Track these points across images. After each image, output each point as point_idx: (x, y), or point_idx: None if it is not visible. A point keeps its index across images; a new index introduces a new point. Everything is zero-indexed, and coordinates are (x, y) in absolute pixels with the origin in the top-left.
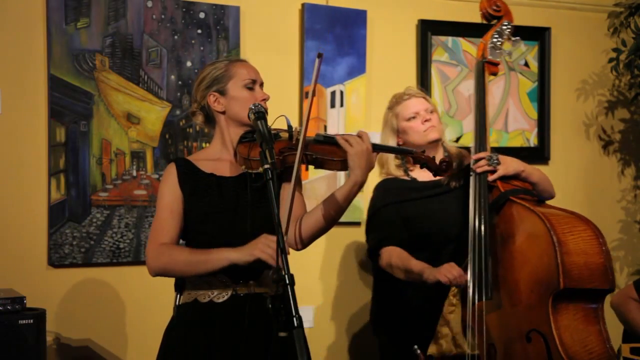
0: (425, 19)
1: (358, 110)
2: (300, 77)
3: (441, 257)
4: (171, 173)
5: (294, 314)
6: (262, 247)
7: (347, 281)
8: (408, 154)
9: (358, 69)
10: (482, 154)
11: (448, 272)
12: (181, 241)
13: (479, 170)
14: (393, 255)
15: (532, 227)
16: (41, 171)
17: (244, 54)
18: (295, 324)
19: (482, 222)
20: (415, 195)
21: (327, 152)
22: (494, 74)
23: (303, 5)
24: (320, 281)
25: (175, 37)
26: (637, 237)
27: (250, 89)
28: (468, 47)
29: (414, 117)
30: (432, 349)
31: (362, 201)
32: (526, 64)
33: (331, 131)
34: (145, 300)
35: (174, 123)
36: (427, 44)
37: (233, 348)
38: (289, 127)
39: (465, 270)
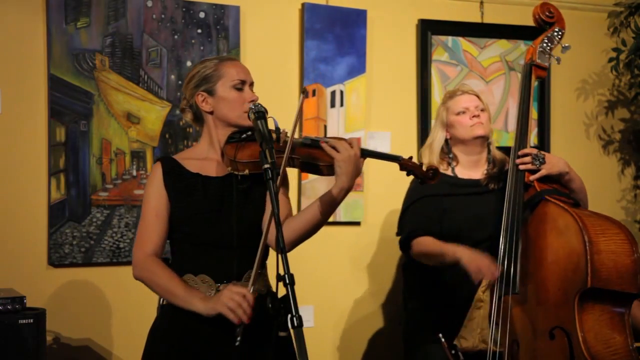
0: (425, 19)
1: (358, 110)
2: (300, 77)
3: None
4: (156, 174)
5: (294, 314)
6: (225, 300)
7: (347, 281)
8: (395, 160)
9: (358, 68)
10: (527, 150)
11: (478, 262)
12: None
13: (522, 167)
14: (426, 244)
15: (565, 225)
16: (41, 171)
17: (244, 54)
18: (295, 324)
19: (515, 217)
20: (453, 191)
21: (315, 155)
22: (540, 77)
23: (303, 5)
24: (320, 281)
25: (175, 36)
26: (637, 237)
27: (239, 89)
28: (468, 47)
29: (463, 112)
30: (457, 343)
31: (362, 200)
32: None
33: (331, 131)
34: (145, 300)
35: (174, 123)
36: (427, 43)
37: (222, 349)
38: (277, 129)
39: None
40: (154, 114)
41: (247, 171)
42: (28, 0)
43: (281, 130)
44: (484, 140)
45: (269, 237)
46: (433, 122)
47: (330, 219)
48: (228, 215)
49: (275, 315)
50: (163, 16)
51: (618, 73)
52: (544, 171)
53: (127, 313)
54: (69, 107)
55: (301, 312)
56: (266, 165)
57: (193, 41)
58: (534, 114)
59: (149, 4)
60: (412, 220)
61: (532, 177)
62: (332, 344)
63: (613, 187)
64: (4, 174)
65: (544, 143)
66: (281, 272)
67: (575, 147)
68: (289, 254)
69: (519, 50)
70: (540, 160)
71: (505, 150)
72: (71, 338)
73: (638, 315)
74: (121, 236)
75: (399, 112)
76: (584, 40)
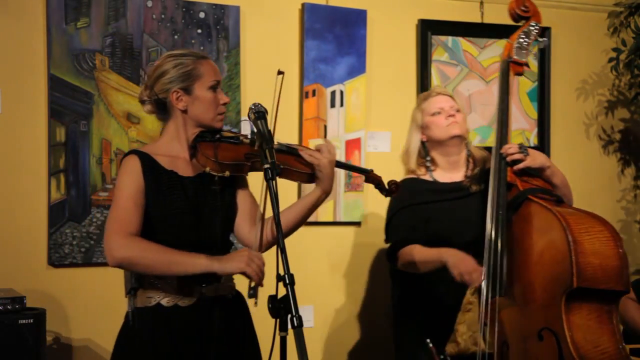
0: (425, 19)
1: (358, 110)
2: (300, 77)
3: None
4: (134, 164)
5: (294, 314)
6: (248, 262)
7: (347, 281)
8: (362, 172)
9: (358, 68)
10: (513, 144)
11: (459, 266)
12: None
13: (509, 158)
14: (411, 253)
15: (548, 225)
16: (41, 171)
17: (244, 54)
18: (295, 324)
19: (499, 219)
20: (436, 198)
21: (292, 162)
22: (519, 74)
23: (303, 5)
24: (320, 281)
25: (175, 37)
26: (637, 237)
27: (214, 90)
28: (468, 47)
29: (438, 113)
30: (449, 348)
31: (362, 200)
32: (526, 64)
33: (331, 131)
34: None
35: None
36: (427, 43)
37: (203, 354)
38: (252, 132)
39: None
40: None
41: (227, 173)
42: (28, 1)
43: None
44: (461, 140)
45: (247, 237)
46: (408, 127)
47: (330, 219)
48: (210, 217)
49: (276, 315)
50: (163, 16)
51: (618, 73)
52: (527, 161)
53: None
54: (69, 107)
55: (301, 312)
56: (266, 165)
57: (193, 41)
58: (533, 114)
59: (149, 4)
60: (396, 231)
61: (515, 167)
62: (332, 344)
63: (613, 187)
64: (4, 174)
65: (544, 143)
66: (281, 272)
67: (575, 147)
68: (290, 254)
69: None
70: (524, 152)
71: None
72: (71, 338)
73: (635, 317)
74: None
75: (399, 112)
76: (584, 40)
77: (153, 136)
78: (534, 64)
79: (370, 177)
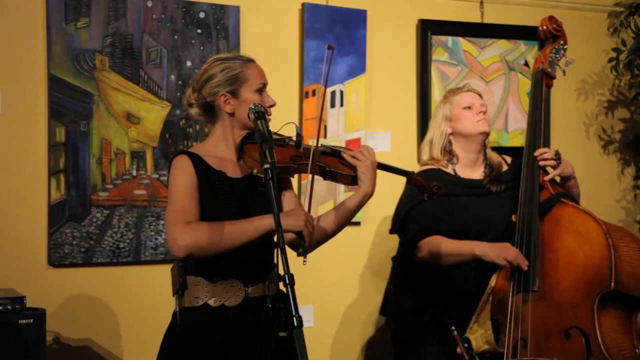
0: (425, 19)
1: (358, 110)
2: (300, 77)
3: None
4: (186, 163)
5: (294, 314)
6: (305, 222)
7: (347, 281)
8: (404, 175)
9: (358, 68)
10: (549, 149)
11: (508, 253)
12: None
13: (543, 163)
14: (437, 243)
15: (586, 228)
16: (41, 171)
17: (244, 54)
18: (295, 324)
19: (532, 217)
20: (460, 191)
21: (336, 165)
22: (548, 86)
23: (303, 5)
24: (320, 281)
25: (175, 37)
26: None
27: (261, 92)
28: (468, 47)
29: (469, 107)
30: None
31: None
32: (526, 64)
33: (331, 131)
34: (145, 300)
35: (174, 123)
36: (427, 43)
37: (250, 354)
38: (298, 135)
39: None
40: (154, 114)
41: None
42: (28, 0)
43: (302, 138)
44: (485, 138)
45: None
46: (432, 119)
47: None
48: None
49: (275, 315)
50: (163, 16)
51: (618, 73)
52: (560, 169)
53: (127, 313)
54: (69, 107)
55: (301, 312)
56: (266, 165)
57: (193, 41)
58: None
59: (149, 4)
60: (420, 219)
61: (548, 176)
62: (332, 344)
63: (613, 187)
64: (4, 174)
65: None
66: (281, 272)
67: (575, 147)
68: (290, 254)
69: (519, 50)
70: (558, 159)
71: (506, 150)
72: (71, 338)
73: None
74: (121, 236)
75: (399, 112)
76: (584, 40)
77: (153, 136)
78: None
79: (413, 179)
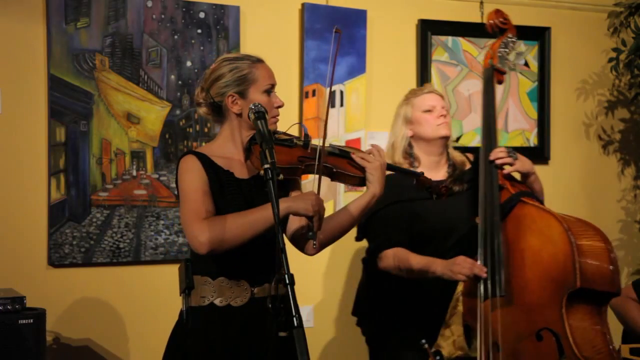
0: (425, 19)
1: (358, 110)
2: (300, 77)
3: (442, 256)
4: (194, 162)
5: (294, 313)
6: (316, 206)
7: (347, 281)
8: (413, 175)
9: (358, 68)
10: (501, 148)
11: (462, 268)
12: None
13: (499, 161)
14: (395, 257)
15: (547, 227)
16: (41, 171)
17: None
18: (295, 324)
19: (494, 219)
20: (421, 195)
21: (344, 166)
22: (500, 82)
23: (303, 5)
24: (320, 281)
25: (175, 37)
26: (637, 237)
27: (269, 93)
28: (468, 47)
29: (430, 111)
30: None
31: None
32: (526, 64)
33: (331, 131)
34: (144, 300)
35: (174, 123)
36: (427, 43)
37: (256, 354)
38: (306, 135)
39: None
40: (153, 114)
41: (281, 176)
42: (28, 1)
43: (310, 138)
44: (446, 140)
45: (301, 238)
46: (393, 121)
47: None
48: None
49: (275, 315)
50: (163, 16)
51: (618, 73)
52: (517, 165)
53: (127, 313)
54: (69, 107)
55: (301, 312)
56: (266, 165)
57: (193, 41)
58: (533, 114)
59: (149, 4)
60: (380, 230)
61: (506, 170)
62: (332, 344)
63: (613, 187)
64: (4, 174)
65: (544, 143)
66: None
67: (575, 148)
68: (290, 254)
69: (519, 50)
70: (514, 155)
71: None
72: (71, 338)
73: (636, 317)
74: (121, 236)
75: None
76: (584, 40)
77: (153, 136)
78: (534, 64)
79: (421, 180)
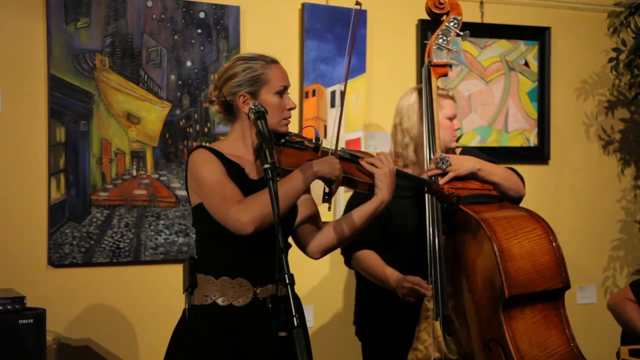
0: (425, 19)
1: (358, 110)
2: (300, 77)
3: (416, 257)
4: (209, 154)
5: (294, 313)
6: (339, 171)
7: (348, 281)
8: (424, 184)
9: (358, 68)
10: (435, 156)
11: (404, 289)
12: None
13: (429, 173)
14: (364, 261)
15: (476, 235)
16: (41, 171)
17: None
18: (295, 324)
19: (436, 235)
20: (398, 193)
21: (353, 171)
22: (445, 75)
23: (303, 5)
24: (320, 281)
25: (175, 37)
26: (637, 237)
27: (281, 95)
28: (468, 47)
29: (450, 119)
30: (411, 356)
31: None
32: (526, 64)
33: (331, 131)
34: (145, 300)
35: (174, 123)
36: None
37: (258, 354)
38: (317, 138)
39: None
40: (154, 114)
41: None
42: (28, 1)
43: (320, 141)
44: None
45: (306, 241)
46: (408, 112)
47: (330, 219)
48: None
49: (276, 315)
50: (163, 16)
51: (618, 73)
52: (451, 174)
53: (127, 313)
54: (69, 107)
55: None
56: (266, 165)
57: (193, 41)
58: (533, 114)
59: (149, 4)
60: None
61: (441, 181)
62: (332, 344)
63: (613, 187)
64: (4, 174)
65: (544, 143)
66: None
67: (575, 147)
68: (290, 254)
69: (519, 50)
70: (446, 162)
71: (506, 150)
72: (71, 338)
73: (634, 318)
74: (121, 236)
75: None
76: (584, 40)
77: (153, 136)
78: (534, 64)
79: (432, 188)
